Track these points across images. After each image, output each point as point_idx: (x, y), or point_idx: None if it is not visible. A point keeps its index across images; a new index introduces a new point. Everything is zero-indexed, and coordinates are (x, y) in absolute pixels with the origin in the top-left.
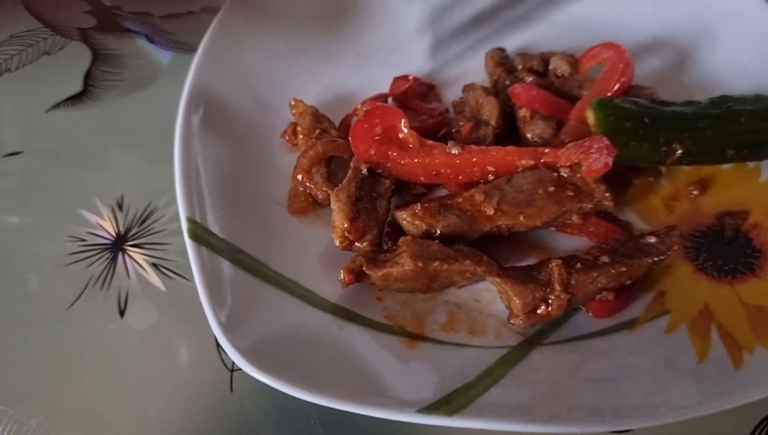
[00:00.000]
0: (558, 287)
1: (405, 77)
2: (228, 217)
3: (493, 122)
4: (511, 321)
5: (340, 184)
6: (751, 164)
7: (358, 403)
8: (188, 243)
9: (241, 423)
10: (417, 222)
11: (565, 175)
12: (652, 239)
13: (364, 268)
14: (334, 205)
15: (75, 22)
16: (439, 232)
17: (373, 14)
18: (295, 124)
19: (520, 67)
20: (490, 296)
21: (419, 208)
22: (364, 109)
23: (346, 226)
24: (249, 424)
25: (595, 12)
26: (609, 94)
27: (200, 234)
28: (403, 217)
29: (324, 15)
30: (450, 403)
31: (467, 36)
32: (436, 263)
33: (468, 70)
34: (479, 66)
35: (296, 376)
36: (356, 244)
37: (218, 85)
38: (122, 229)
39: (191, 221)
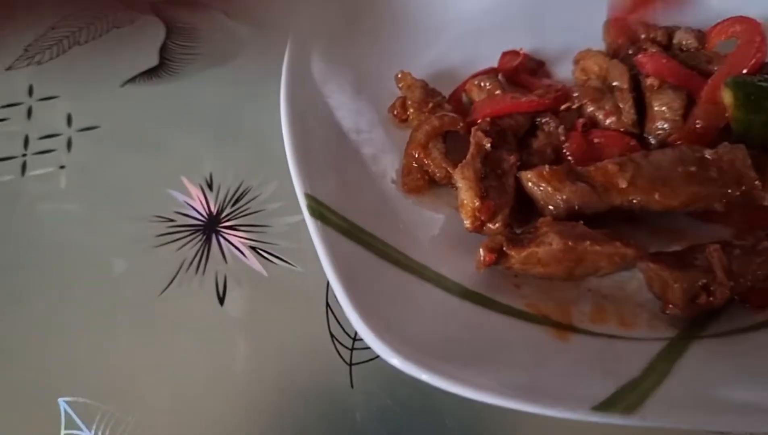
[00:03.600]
0: (720, 274)
1: (515, 52)
2: (345, 195)
3: (625, 85)
4: (667, 311)
5: (463, 161)
6: None
7: (529, 401)
8: (309, 221)
9: (365, 422)
10: (543, 184)
11: (709, 157)
12: None
13: (504, 248)
14: (460, 183)
15: None
16: (565, 197)
17: None
18: (403, 99)
19: (643, 36)
20: (636, 285)
21: (547, 168)
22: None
23: (477, 204)
24: (373, 425)
25: None
26: (744, 72)
27: (321, 211)
28: (528, 177)
29: None
30: (622, 400)
31: None
32: (587, 243)
33: (575, 46)
34: (586, 43)
35: (452, 371)
36: (488, 225)
37: (317, 58)
38: (214, 210)
39: (310, 198)
